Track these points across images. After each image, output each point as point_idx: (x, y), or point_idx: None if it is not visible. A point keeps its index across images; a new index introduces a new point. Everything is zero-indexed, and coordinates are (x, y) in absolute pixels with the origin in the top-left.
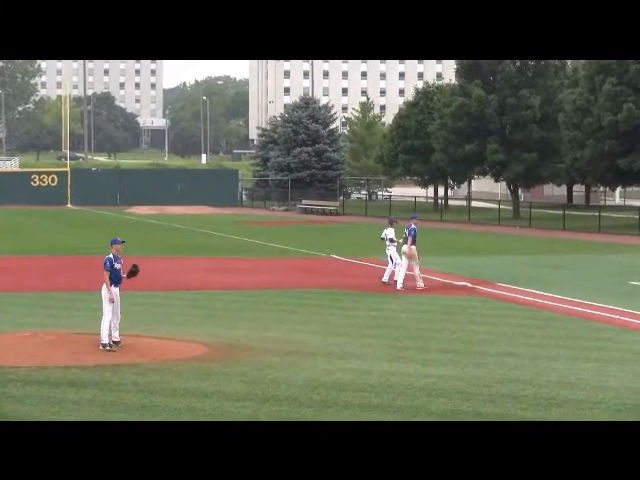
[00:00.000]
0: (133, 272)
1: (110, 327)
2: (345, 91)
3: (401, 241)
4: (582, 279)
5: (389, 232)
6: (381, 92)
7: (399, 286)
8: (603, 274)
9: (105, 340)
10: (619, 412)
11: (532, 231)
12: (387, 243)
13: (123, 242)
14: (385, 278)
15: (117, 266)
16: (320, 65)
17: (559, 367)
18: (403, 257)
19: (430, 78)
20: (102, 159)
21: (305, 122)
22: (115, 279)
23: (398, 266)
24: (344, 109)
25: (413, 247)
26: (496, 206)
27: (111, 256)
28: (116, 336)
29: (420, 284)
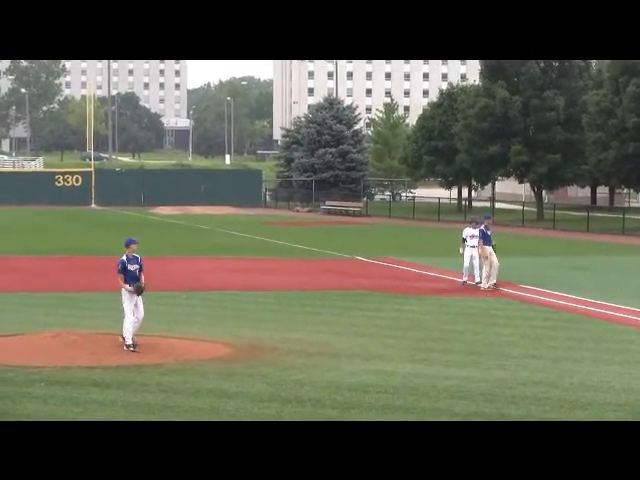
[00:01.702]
0: (139, 288)
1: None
2: (369, 92)
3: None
4: (606, 281)
5: (466, 232)
6: (405, 93)
7: (484, 286)
8: (627, 276)
9: (129, 341)
10: None
11: (556, 233)
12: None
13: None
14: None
15: (131, 267)
16: (344, 66)
17: (582, 369)
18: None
19: (454, 79)
20: (126, 159)
21: (329, 123)
22: (132, 280)
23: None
24: (368, 110)
25: (486, 247)
26: (520, 207)
27: (124, 258)
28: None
29: (484, 285)
